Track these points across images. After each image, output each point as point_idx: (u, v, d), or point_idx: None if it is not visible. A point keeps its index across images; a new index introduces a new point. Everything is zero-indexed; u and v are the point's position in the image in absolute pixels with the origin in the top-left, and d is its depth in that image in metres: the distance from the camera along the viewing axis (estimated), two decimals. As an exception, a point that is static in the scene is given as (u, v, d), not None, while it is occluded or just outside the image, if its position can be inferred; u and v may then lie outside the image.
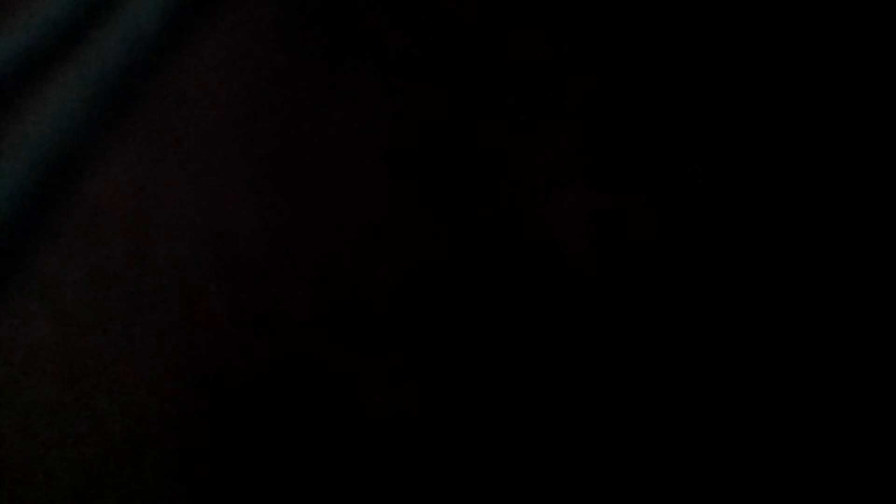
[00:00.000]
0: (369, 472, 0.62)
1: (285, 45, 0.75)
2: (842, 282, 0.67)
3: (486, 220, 0.69)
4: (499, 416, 0.64)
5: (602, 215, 0.69)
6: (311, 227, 0.69)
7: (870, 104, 0.72)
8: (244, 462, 0.62)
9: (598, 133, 0.71)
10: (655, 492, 0.63)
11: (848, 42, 0.74)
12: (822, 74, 0.73)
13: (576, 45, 0.74)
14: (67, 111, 0.71)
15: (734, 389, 0.65)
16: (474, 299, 0.66)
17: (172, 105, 0.72)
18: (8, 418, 0.62)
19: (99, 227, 0.68)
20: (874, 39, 0.74)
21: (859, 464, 0.63)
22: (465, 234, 0.68)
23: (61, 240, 0.67)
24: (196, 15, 0.75)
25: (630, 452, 0.63)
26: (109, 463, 0.61)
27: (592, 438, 0.63)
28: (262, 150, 0.71)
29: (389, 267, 0.67)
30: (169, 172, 0.70)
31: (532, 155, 0.71)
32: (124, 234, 0.68)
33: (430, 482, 0.62)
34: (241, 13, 0.75)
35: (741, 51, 0.74)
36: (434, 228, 0.69)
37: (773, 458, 0.63)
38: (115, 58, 0.73)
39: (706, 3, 0.75)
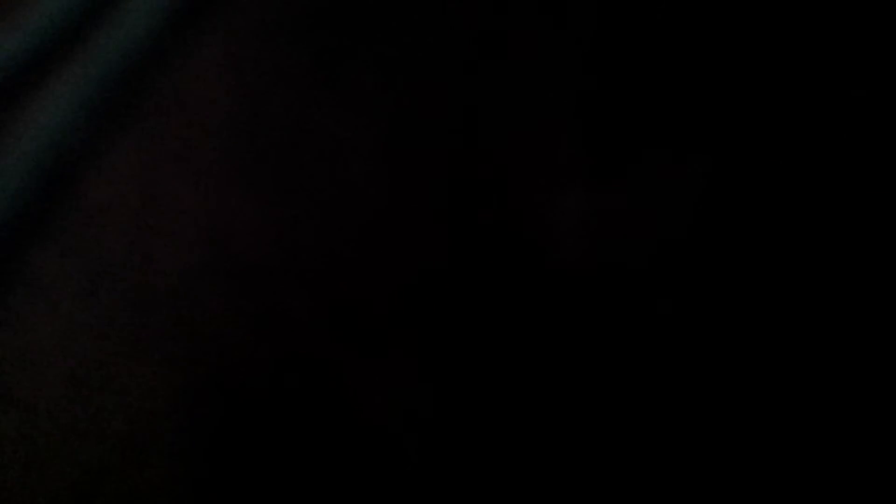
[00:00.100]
0: (369, 472, 0.62)
1: (286, 46, 0.75)
2: (844, 282, 0.67)
3: (486, 219, 0.69)
4: (499, 416, 0.64)
5: (602, 215, 0.69)
6: (312, 227, 0.69)
7: (870, 104, 0.72)
8: (244, 462, 0.62)
9: (598, 133, 0.71)
10: (656, 492, 0.63)
11: (848, 42, 0.74)
12: (823, 74, 0.73)
13: (576, 45, 0.74)
14: (68, 110, 0.71)
15: (735, 390, 0.65)
16: (474, 299, 0.66)
17: (173, 104, 0.72)
18: (8, 418, 0.62)
19: (100, 227, 0.68)
20: (875, 39, 0.74)
21: (859, 464, 0.63)
22: (465, 234, 0.69)
23: (62, 239, 0.67)
24: (197, 14, 0.75)
25: (630, 452, 0.63)
26: (110, 463, 0.62)
27: (593, 439, 0.63)
28: (263, 150, 0.71)
29: (390, 266, 0.67)
30: (170, 172, 0.70)
31: (532, 155, 0.71)
32: (125, 233, 0.68)
33: (430, 482, 0.62)
34: (242, 13, 0.76)
35: (742, 51, 0.74)
36: (434, 228, 0.69)
37: (773, 461, 0.63)
38: (115, 57, 0.73)
39: (706, 3, 0.75)
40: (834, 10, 0.74)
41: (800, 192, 0.70)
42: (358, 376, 0.64)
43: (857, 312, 0.66)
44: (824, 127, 0.71)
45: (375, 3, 0.76)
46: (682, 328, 0.66)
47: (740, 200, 0.70)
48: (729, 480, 0.63)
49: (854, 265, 0.68)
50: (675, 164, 0.70)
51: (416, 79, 0.73)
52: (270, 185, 0.70)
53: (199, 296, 0.66)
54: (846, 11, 0.74)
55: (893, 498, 0.63)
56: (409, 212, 0.69)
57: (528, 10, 0.75)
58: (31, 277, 0.66)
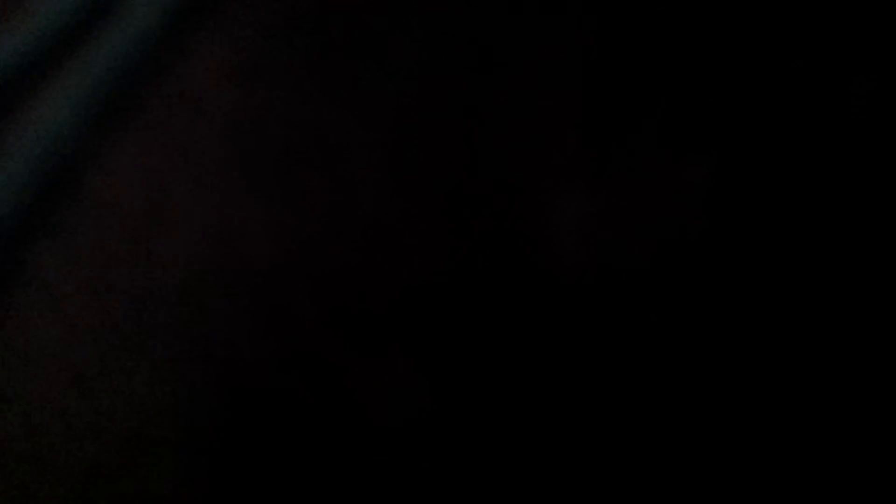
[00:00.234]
0: (370, 472, 0.62)
1: (290, 45, 0.75)
2: (845, 283, 0.67)
3: (488, 220, 0.69)
4: (499, 417, 0.64)
5: (603, 217, 0.69)
6: (315, 228, 0.69)
7: (872, 104, 0.72)
8: (246, 461, 0.62)
9: (600, 134, 0.71)
10: (656, 493, 0.63)
11: (849, 42, 0.74)
12: (824, 74, 0.73)
13: (576, 45, 0.74)
14: (72, 110, 0.71)
15: (735, 391, 0.65)
16: (475, 301, 0.66)
17: (177, 105, 0.73)
18: (12, 418, 0.63)
19: (103, 227, 0.68)
20: (876, 39, 0.74)
21: (859, 464, 0.63)
22: (466, 235, 0.69)
23: (65, 239, 0.68)
24: (200, 15, 0.75)
25: (631, 452, 0.63)
26: (112, 462, 0.62)
27: (593, 441, 0.63)
28: (267, 151, 0.71)
29: (391, 267, 0.67)
30: (174, 172, 0.70)
31: (533, 157, 0.71)
32: (129, 233, 0.68)
33: (430, 482, 0.62)
34: (246, 14, 0.76)
35: (743, 51, 0.74)
36: (435, 230, 0.69)
37: (773, 464, 0.63)
38: (119, 56, 0.73)
39: (707, 3, 0.75)
40: (834, 10, 0.74)
41: (801, 193, 0.70)
42: (359, 377, 0.64)
43: (858, 312, 0.66)
44: (826, 128, 0.71)
45: (378, 4, 0.76)
46: (682, 329, 0.66)
47: (741, 201, 0.70)
48: (730, 483, 0.63)
49: (856, 266, 0.67)
50: (676, 166, 0.70)
51: (418, 79, 0.73)
52: (273, 186, 0.70)
53: (202, 295, 0.66)
54: (846, 11, 0.74)
55: (894, 498, 0.63)
56: (410, 213, 0.69)
57: (528, 10, 0.75)
58: (35, 276, 0.66)
